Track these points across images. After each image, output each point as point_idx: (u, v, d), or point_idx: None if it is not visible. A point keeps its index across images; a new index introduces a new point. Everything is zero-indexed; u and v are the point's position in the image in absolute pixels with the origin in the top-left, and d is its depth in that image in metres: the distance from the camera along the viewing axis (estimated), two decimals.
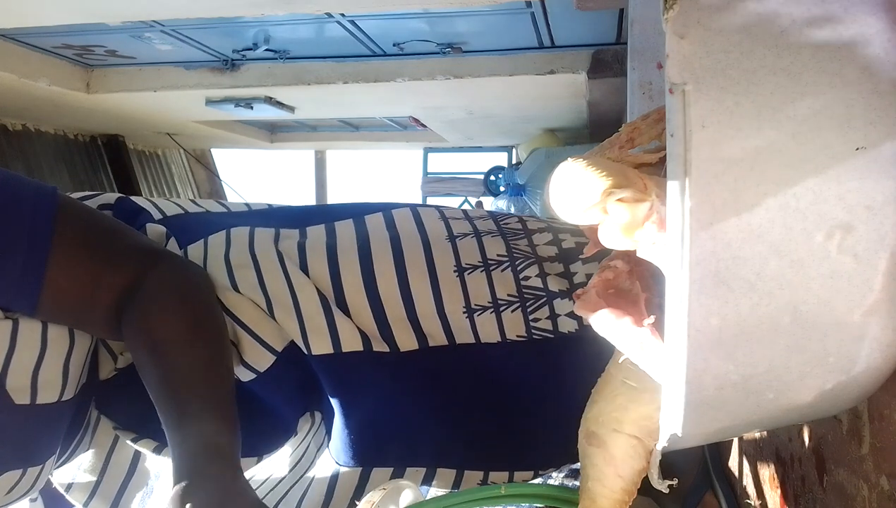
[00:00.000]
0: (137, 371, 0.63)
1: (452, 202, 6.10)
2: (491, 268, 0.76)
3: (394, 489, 0.67)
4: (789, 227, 0.30)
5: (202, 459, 0.56)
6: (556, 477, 0.81)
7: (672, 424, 0.34)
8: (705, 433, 0.37)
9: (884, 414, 0.39)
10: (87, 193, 0.74)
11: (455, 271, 0.75)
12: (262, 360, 0.69)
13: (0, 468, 0.59)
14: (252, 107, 3.67)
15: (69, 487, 0.70)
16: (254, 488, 0.71)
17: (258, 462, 0.70)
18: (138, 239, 0.69)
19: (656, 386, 0.46)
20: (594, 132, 4.26)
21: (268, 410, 0.71)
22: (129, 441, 0.68)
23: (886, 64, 0.31)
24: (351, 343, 0.69)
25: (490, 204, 5.60)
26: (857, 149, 0.30)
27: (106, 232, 0.66)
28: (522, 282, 0.76)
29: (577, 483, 0.79)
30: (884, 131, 0.30)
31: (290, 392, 0.71)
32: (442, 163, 6.45)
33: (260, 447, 0.70)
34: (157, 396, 0.61)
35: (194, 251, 0.73)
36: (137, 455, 0.71)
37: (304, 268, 0.72)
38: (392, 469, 0.74)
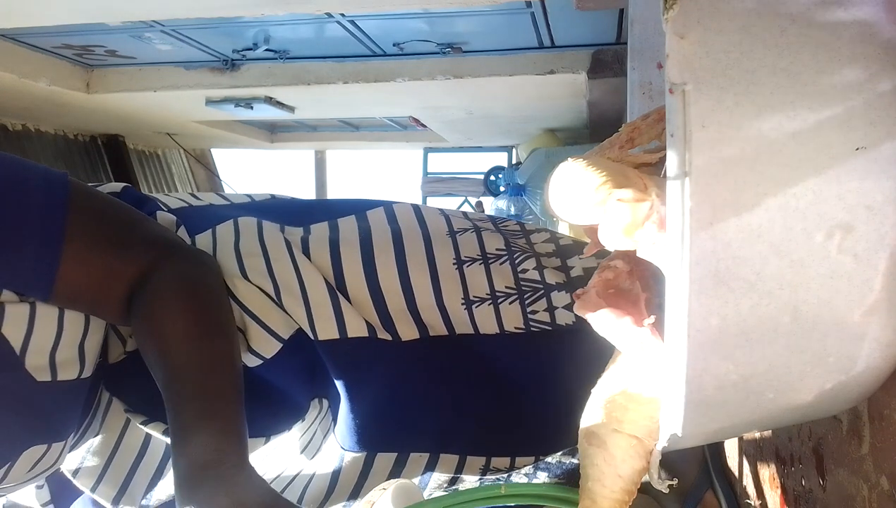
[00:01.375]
0: (146, 364, 0.64)
1: (452, 202, 6.11)
2: (489, 262, 0.77)
3: (393, 488, 0.67)
4: (789, 227, 0.30)
5: (198, 475, 0.55)
6: (555, 456, 0.82)
7: (672, 424, 0.34)
8: (705, 433, 0.37)
9: (884, 414, 0.39)
10: (93, 184, 0.75)
11: (454, 264, 0.76)
12: (269, 347, 0.69)
13: (25, 443, 0.60)
14: (252, 107, 3.67)
15: (76, 472, 0.70)
16: (261, 471, 0.72)
17: (266, 442, 0.71)
18: (152, 227, 0.69)
19: (656, 386, 0.46)
20: (594, 132, 4.26)
21: (276, 392, 0.72)
22: (139, 424, 0.69)
23: (886, 63, 0.31)
24: (356, 329, 0.70)
25: (490, 204, 5.60)
26: (857, 149, 0.30)
27: (119, 219, 0.66)
28: (520, 275, 0.77)
29: (575, 460, 0.80)
30: (884, 131, 0.30)
31: (297, 376, 0.72)
32: (442, 163, 6.45)
33: (269, 427, 0.71)
34: (164, 396, 0.61)
35: (203, 240, 0.74)
36: (148, 438, 0.72)
37: (308, 259, 0.73)
38: (396, 454, 0.75)
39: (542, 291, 0.76)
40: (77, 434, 0.68)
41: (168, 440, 0.68)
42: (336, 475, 0.75)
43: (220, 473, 0.55)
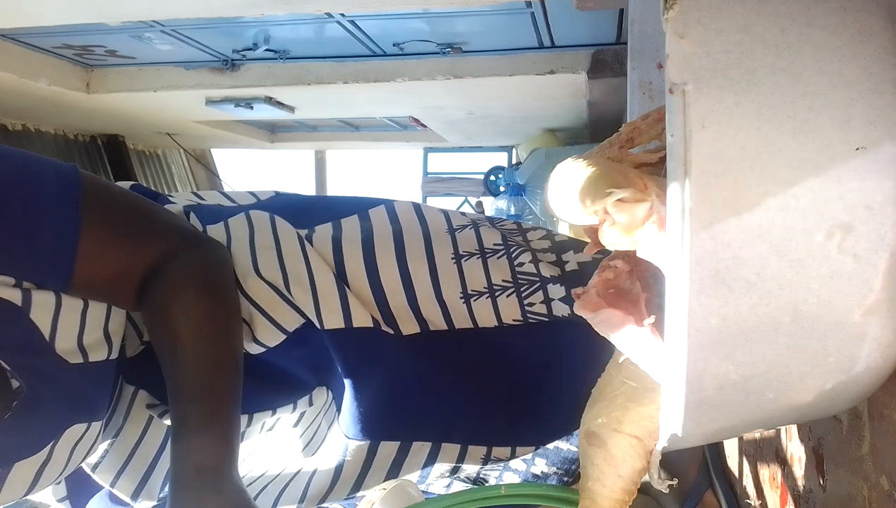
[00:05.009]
0: (155, 350, 0.65)
1: (452, 202, 6.11)
2: (487, 256, 0.79)
3: (393, 488, 0.68)
4: (789, 227, 0.30)
5: (193, 479, 0.59)
6: (553, 442, 0.83)
7: (672, 424, 0.34)
8: (705, 433, 0.37)
9: (884, 414, 0.39)
10: None
11: (453, 259, 0.78)
12: (273, 338, 0.71)
13: (66, 421, 0.61)
14: (252, 107, 3.67)
15: (96, 466, 0.71)
16: (263, 469, 0.72)
17: (273, 414, 0.73)
18: (165, 216, 0.70)
19: (656, 386, 0.46)
20: (594, 132, 4.26)
21: (279, 371, 0.74)
22: (157, 416, 0.70)
23: (887, 63, 0.31)
24: (361, 319, 0.72)
25: (490, 204, 5.60)
26: (857, 149, 0.30)
27: (132, 209, 0.67)
28: (517, 268, 0.79)
29: (573, 447, 0.80)
30: (884, 131, 0.30)
31: (299, 363, 0.74)
32: (442, 163, 6.45)
33: (274, 401, 0.73)
34: (170, 387, 0.63)
35: (215, 232, 0.75)
36: (168, 433, 0.72)
37: None
38: (399, 443, 0.76)
39: (539, 284, 0.78)
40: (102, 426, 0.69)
41: None
42: (340, 465, 0.76)
43: (214, 480, 0.59)
